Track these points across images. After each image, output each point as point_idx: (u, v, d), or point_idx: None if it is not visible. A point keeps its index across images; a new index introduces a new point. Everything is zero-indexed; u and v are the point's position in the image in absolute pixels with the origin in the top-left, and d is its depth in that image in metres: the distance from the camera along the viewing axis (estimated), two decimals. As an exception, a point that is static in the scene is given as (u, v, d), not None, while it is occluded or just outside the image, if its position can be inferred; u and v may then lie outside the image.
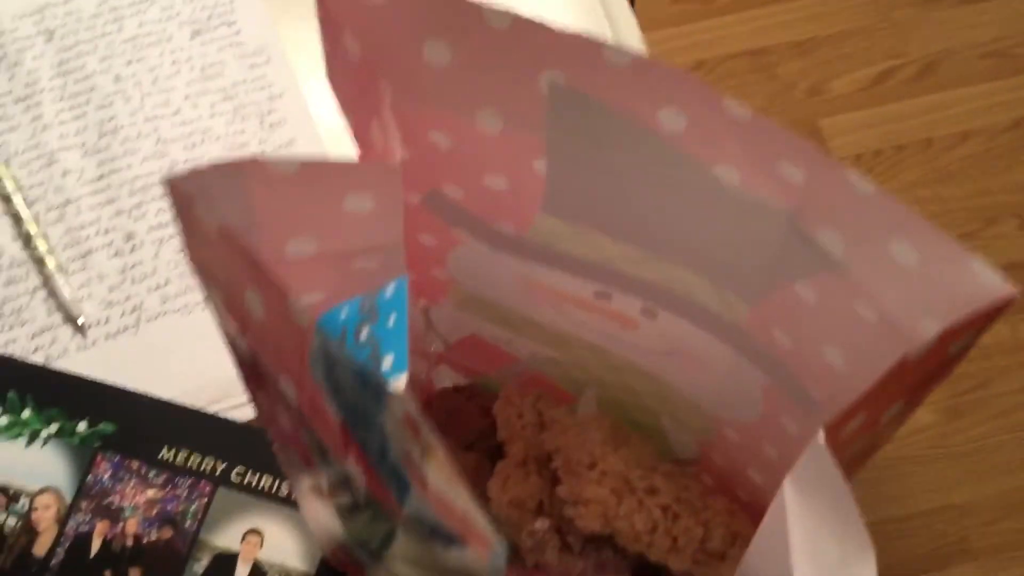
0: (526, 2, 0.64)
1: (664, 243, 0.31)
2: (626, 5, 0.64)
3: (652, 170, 0.28)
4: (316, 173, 0.26)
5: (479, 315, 0.43)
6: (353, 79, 0.28)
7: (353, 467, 0.28)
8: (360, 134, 0.30)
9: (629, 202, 0.29)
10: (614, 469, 0.40)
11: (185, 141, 0.59)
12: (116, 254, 0.56)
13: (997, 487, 1.30)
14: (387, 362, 0.22)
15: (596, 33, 0.25)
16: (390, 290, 0.23)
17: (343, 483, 0.30)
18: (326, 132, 0.59)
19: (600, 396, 0.47)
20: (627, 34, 0.63)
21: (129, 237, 0.56)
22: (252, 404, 0.30)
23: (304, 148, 0.59)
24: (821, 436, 0.23)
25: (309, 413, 0.26)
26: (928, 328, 0.24)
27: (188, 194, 0.24)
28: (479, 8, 0.25)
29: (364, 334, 0.22)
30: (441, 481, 0.22)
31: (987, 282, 0.22)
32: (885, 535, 1.28)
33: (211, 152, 0.58)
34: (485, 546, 0.22)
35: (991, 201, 1.43)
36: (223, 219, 0.23)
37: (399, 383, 0.21)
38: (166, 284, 0.55)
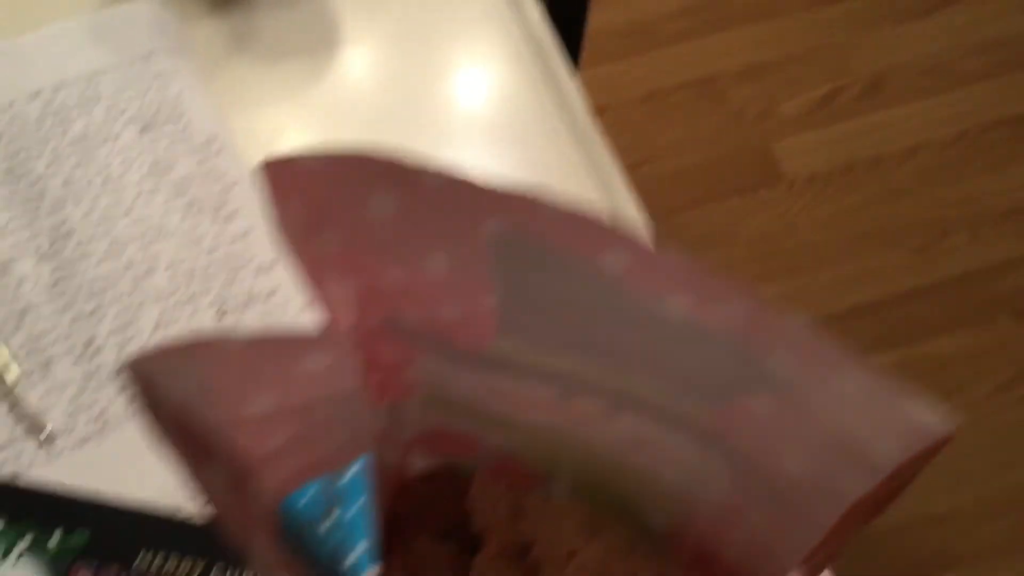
0: (475, 78, 0.65)
1: (623, 361, 0.32)
2: (569, 79, 0.65)
3: (602, 301, 0.28)
4: (267, 345, 0.27)
5: (445, 413, 0.44)
6: (303, 239, 0.28)
7: None
8: (317, 287, 0.31)
9: (584, 328, 0.30)
10: (593, 558, 0.40)
11: (140, 240, 0.59)
12: (77, 360, 0.55)
13: (974, 493, 1.32)
14: (357, 551, 0.22)
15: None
16: (352, 472, 0.23)
17: None
18: (282, 221, 0.59)
19: (573, 478, 0.47)
20: (575, 105, 0.64)
21: (90, 342, 0.56)
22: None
23: (260, 238, 0.59)
24: None
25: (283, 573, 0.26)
26: (881, 452, 0.25)
27: (147, 375, 0.24)
28: (416, 171, 0.26)
29: (329, 522, 0.22)
30: None
31: (927, 420, 0.23)
32: (866, 552, 1.29)
33: (166, 250, 0.58)
34: None
35: (942, 214, 1.45)
36: (182, 397, 0.24)
37: (372, 572, 0.22)
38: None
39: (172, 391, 0.25)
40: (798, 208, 1.47)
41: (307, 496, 0.23)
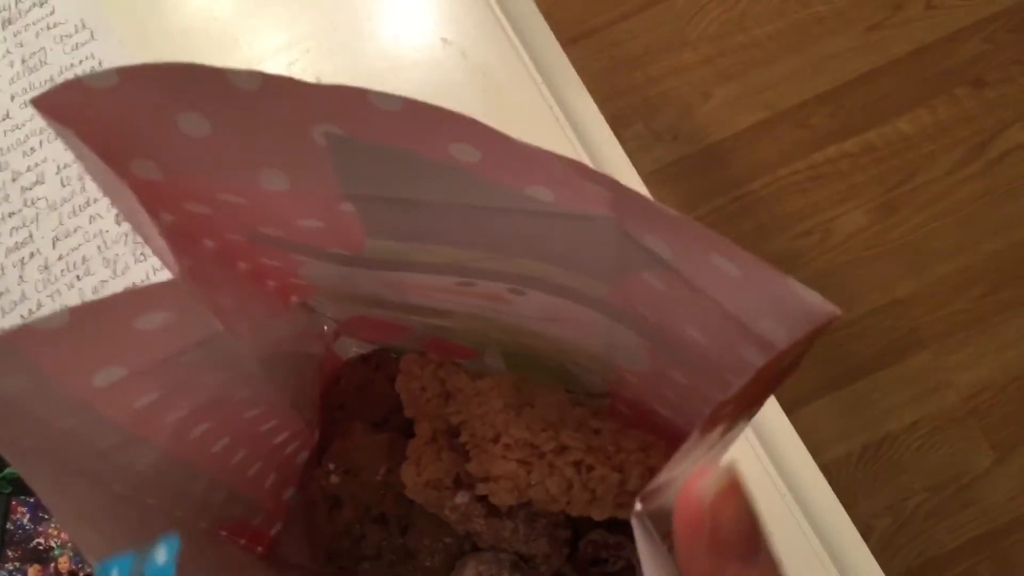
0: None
1: (505, 247, 0.29)
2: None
3: (462, 197, 0.25)
4: (91, 315, 0.24)
5: (357, 304, 0.41)
6: (107, 177, 0.25)
7: None
8: (142, 233, 0.27)
9: (453, 222, 0.27)
10: (519, 438, 0.39)
11: (23, 147, 0.54)
12: (-21, 286, 0.53)
13: (938, 273, 1.33)
14: None
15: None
16: (161, 559, 0.20)
17: None
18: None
19: (503, 350, 0.45)
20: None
21: (-12, 265, 0.53)
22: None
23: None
24: (638, 505, 0.23)
25: None
26: (770, 329, 0.23)
27: None
28: (221, 72, 0.22)
29: None
30: None
31: (811, 300, 0.21)
32: (838, 341, 1.31)
33: (53, 154, 0.54)
34: None
35: (895, -11, 1.39)
36: (15, 396, 0.22)
37: None
38: (39, 308, 0.52)
39: (6, 391, 0.23)
40: (747, 1, 1.40)
41: (111, 573, 0.21)
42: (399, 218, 0.27)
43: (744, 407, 0.28)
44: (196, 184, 0.26)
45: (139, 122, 0.24)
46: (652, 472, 0.40)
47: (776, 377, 0.26)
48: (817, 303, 0.21)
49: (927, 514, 1.27)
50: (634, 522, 0.24)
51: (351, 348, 0.52)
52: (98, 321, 0.24)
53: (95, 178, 0.26)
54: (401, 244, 0.30)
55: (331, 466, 0.44)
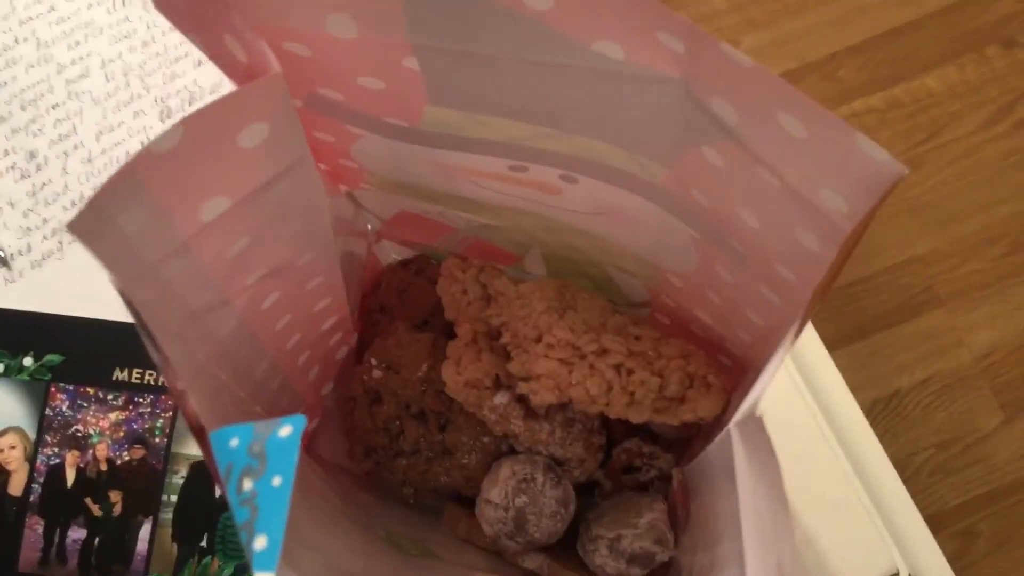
0: None
1: (564, 119, 0.29)
2: None
3: (529, 53, 0.25)
4: (202, 126, 0.24)
5: (403, 194, 0.42)
6: (196, 11, 0.25)
7: None
8: (214, 53, 0.28)
9: (516, 86, 0.27)
10: (561, 338, 0.39)
11: (67, 40, 0.54)
12: (22, 176, 0.53)
13: (957, 233, 1.32)
14: (259, 543, 0.20)
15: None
16: (283, 433, 0.20)
17: None
18: None
19: (546, 253, 0.46)
20: None
21: (32, 156, 0.53)
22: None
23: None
24: (759, 411, 0.23)
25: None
26: (828, 199, 0.23)
27: (91, 232, 0.22)
28: None
29: (247, 487, 0.20)
30: None
31: (877, 158, 0.21)
32: (854, 296, 1.31)
33: (97, 48, 0.54)
34: None
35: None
36: (137, 230, 0.23)
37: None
38: (81, 200, 0.52)
39: (126, 229, 0.23)
40: (778, -52, 1.38)
41: (232, 440, 0.21)
42: (461, 76, 0.27)
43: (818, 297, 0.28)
44: (265, 29, 0.26)
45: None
46: (691, 378, 0.41)
47: (845, 256, 0.26)
48: (886, 162, 0.21)
49: (933, 470, 1.28)
50: (733, 430, 0.24)
51: (391, 254, 0.52)
52: (207, 137, 0.24)
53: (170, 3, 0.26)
54: (459, 113, 0.30)
55: (373, 361, 0.45)
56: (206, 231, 0.28)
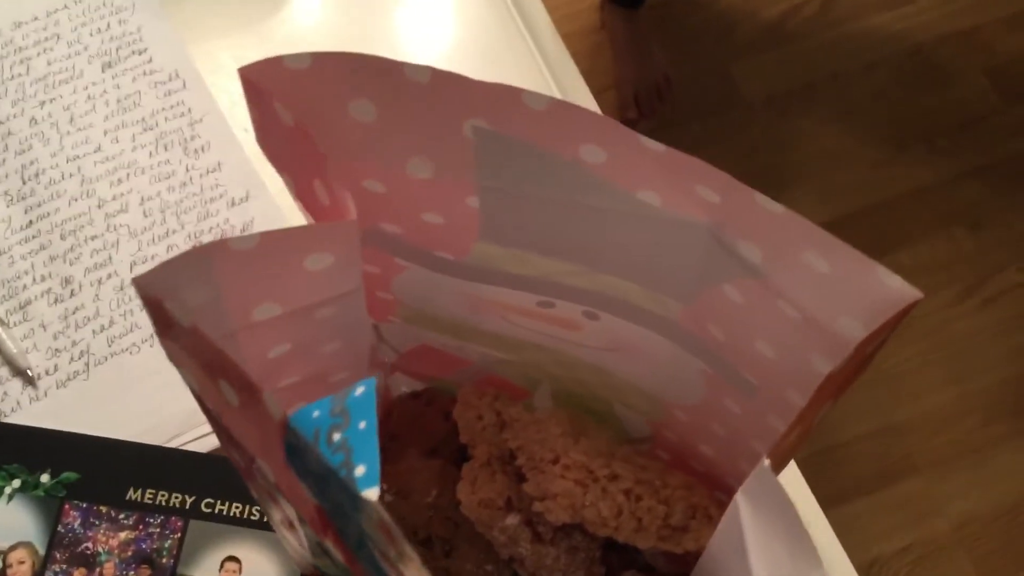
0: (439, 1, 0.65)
1: (597, 258, 0.33)
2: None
3: (579, 197, 0.29)
4: (276, 242, 0.27)
5: (427, 328, 0.45)
6: (286, 144, 0.29)
7: (331, 546, 0.30)
8: (303, 194, 0.31)
9: (561, 226, 0.31)
10: (576, 461, 0.42)
11: (110, 177, 0.58)
12: (56, 300, 0.56)
13: (930, 404, 1.36)
14: (359, 471, 0.23)
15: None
16: (359, 391, 0.24)
17: (322, 550, 0.31)
18: (252, 152, 0.59)
19: (554, 389, 0.48)
20: (543, 28, 0.64)
21: (67, 282, 0.56)
22: (229, 459, 0.31)
23: (232, 171, 0.59)
24: (766, 461, 0.25)
25: (287, 493, 0.27)
26: (847, 326, 0.27)
27: (156, 292, 0.25)
28: (400, 65, 0.26)
29: (336, 438, 0.23)
30: None
31: (894, 286, 0.24)
32: (833, 461, 1.33)
33: (138, 186, 0.58)
34: None
35: (899, 129, 1.47)
36: (192, 315, 0.25)
37: (372, 493, 0.23)
38: (111, 325, 0.55)
39: (183, 304, 0.26)
40: (758, 130, 1.48)
41: (313, 412, 0.24)
42: (513, 216, 0.31)
43: (804, 427, 0.31)
44: (347, 169, 0.30)
45: (317, 104, 0.28)
46: (694, 509, 0.43)
47: (858, 367, 0.28)
48: (903, 288, 0.24)
49: (915, 642, 1.27)
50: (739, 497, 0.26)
51: (402, 387, 0.55)
52: (279, 251, 0.27)
53: (271, 144, 0.29)
54: (504, 250, 0.33)
55: (383, 487, 0.47)
56: (254, 328, 0.30)
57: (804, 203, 1.44)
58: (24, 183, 0.58)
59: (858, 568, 1.31)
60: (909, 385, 1.36)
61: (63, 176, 0.58)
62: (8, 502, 0.51)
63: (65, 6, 0.62)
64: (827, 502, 1.33)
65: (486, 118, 0.27)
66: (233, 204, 0.58)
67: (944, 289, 1.41)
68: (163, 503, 0.51)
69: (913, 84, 1.49)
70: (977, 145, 1.47)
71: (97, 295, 0.56)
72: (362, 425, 0.23)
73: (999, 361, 1.37)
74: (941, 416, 1.36)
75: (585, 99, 0.64)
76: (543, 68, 0.64)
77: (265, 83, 0.27)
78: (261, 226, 0.57)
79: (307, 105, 0.27)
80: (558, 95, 0.64)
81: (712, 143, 1.47)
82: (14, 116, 0.59)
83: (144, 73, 0.61)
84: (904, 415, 1.36)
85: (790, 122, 1.47)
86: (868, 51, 1.50)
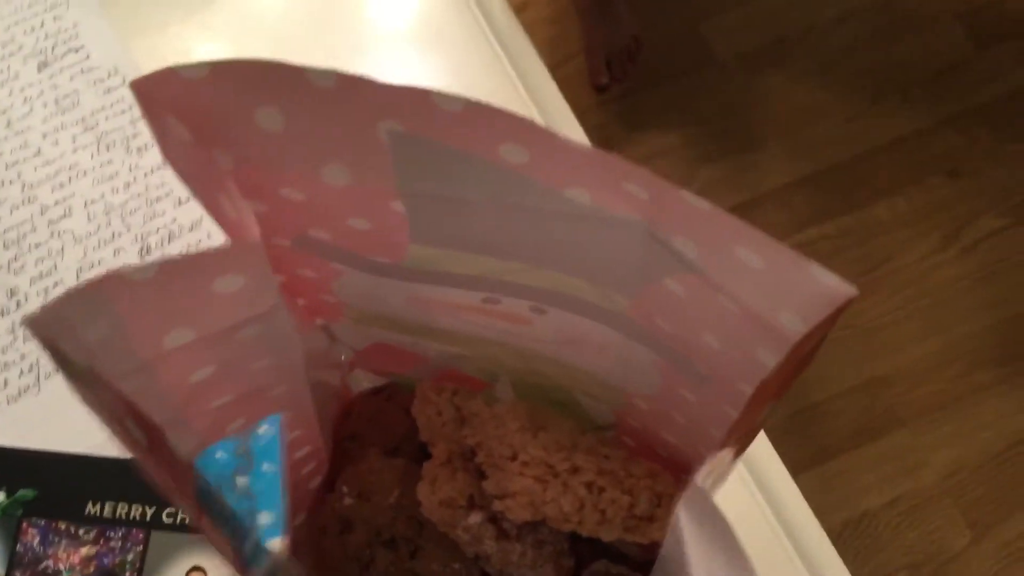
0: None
1: (537, 256, 0.31)
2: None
3: (507, 197, 0.28)
4: (178, 269, 0.26)
5: (378, 327, 0.43)
6: (189, 158, 0.27)
7: None
8: (211, 207, 0.30)
9: (494, 226, 0.30)
10: (535, 457, 0.41)
11: (51, 182, 0.57)
12: (2, 313, 0.54)
13: (913, 354, 1.36)
14: (264, 518, 0.22)
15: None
16: (263, 430, 0.22)
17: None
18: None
19: (514, 381, 0.47)
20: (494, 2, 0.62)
21: (12, 293, 0.54)
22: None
23: (177, 168, 0.57)
24: (699, 477, 0.24)
25: (208, 535, 0.26)
26: (788, 321, 0.26)
27: (50, 333, 0.23)
28: (303, 71, 0.25)
29: (241, 483, 0.22)
30: None
31: (829, 283, 0.23)
32: (814, 418, 1.33)
33: (81, 189, 0.56)
34: None
35: (873, 81, 1.46)
36: (91, 352, 0.24)
37: (276, 543, 0.22)
38: (60, 335, 0.53)
39: (80, 344, 0.25)
40: (731, 89, 1.46)
41: (217, 454, 0.23)
42: (443, 218, 0.30)
43: (757, 415, 0.30)
44: (261, 178, 0.29)
45: (220, 115, 0.26)
46: (659, 497, 0.42)
47: (797, 367, 0.28)
48: (838, 286, 0.23)
49: (906, 593, 1.27)
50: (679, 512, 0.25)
51: (363, 383, 0.54)
52: (182, 278, 0.26)
53: (175, 158, 0.28)
54: (440, 251, 0.32)
55: (344, 489, 0.46)
56: (168, 355, 0.29)
57: (780, 160, 1.43)
58: (-38, 193, 0.56)
59: (847, 523, 1.32)
60: (890, 337, 1.36)
61: (3, 183, 0.56)
62: (-35, 523, 0.50)
63: (-6, 5, 0.60)
64: (812, 460, 1.34)
65: (399, 121, 0.26)
66: (180, 203, 0.56)
67: (923, 238, 1.40)
68: (123, 516, 0.50)
69: (885, 34, 1.48)
70: (952, 93, 1.46)
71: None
72: (266, 467, 0.22)
73: (980, 308, 1.37)
74: (924, 367, 1.35)
75: (541, 76, 0.62)
76: (493, 42, 0.62)
77: (160, 96, 0.25)
78: (208, 224, 0.55)
79: (209, 116, 0.26)
80: (511, 71, 0.62)
81: (685, 103, 1.46)
82: (-52, 123, 0.57)
83: (82, 71, 0.59)
84: (886, 368, 1.35)
85: (763, 79, 1.46)
86: (838, 2, 1.48)
